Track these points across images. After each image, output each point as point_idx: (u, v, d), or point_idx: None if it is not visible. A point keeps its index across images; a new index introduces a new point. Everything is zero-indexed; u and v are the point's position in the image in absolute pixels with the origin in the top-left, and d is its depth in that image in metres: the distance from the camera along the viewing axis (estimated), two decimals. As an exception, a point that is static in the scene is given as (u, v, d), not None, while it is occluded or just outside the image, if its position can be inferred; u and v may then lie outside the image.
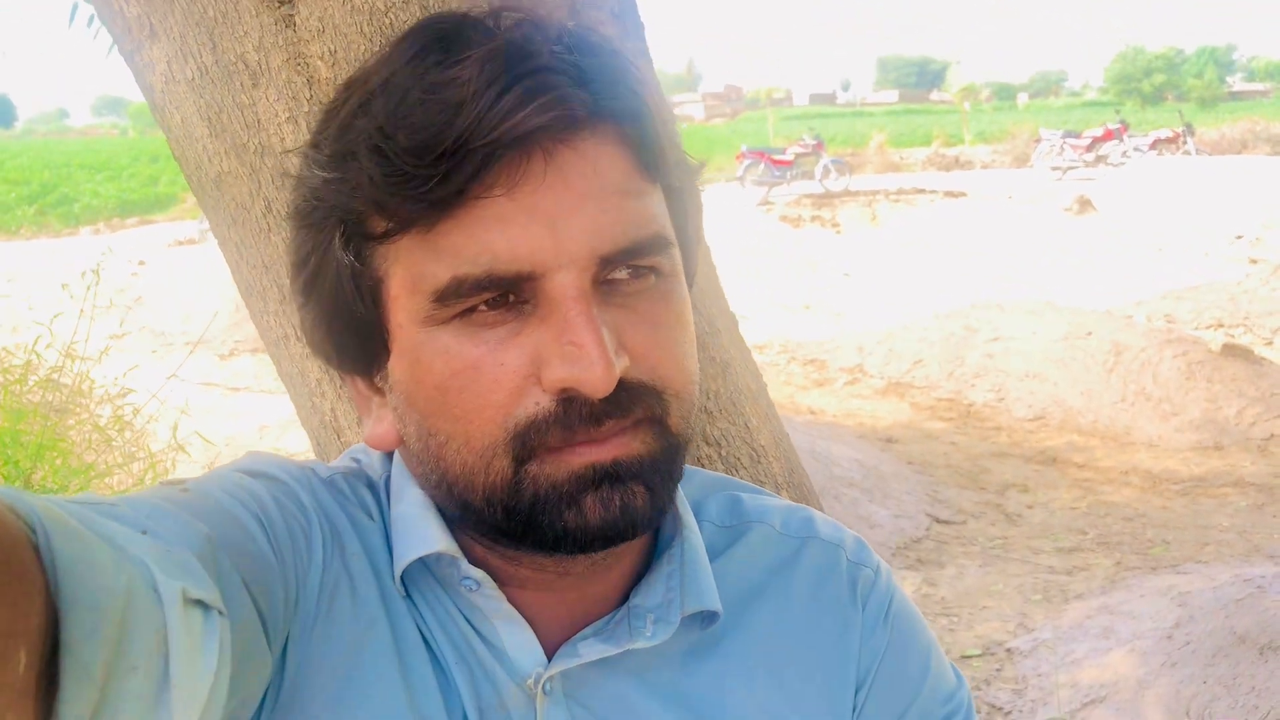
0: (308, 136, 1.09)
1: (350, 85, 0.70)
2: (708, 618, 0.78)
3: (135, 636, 0.50)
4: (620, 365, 0.64)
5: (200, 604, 0.54)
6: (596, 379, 0.63)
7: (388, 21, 1.03)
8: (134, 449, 4.20)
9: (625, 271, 0.68)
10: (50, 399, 3.91)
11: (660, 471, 0.69)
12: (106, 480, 3.96)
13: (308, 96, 1.09)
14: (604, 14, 1.15)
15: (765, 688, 0.80)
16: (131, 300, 10.63)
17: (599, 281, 0.66)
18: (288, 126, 1.10)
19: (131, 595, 0.50)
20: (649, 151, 0.69)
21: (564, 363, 0.63)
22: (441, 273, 0.64)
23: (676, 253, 0.72)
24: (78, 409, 4.05)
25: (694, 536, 0.80)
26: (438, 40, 0.66)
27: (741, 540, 0.85)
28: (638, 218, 0.67)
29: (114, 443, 4.04)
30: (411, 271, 0.66)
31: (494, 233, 0.63)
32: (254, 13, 1.07)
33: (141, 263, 13.48)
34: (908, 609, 0.88)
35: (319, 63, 1.07)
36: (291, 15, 1.07)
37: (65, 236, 19.28)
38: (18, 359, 3.99)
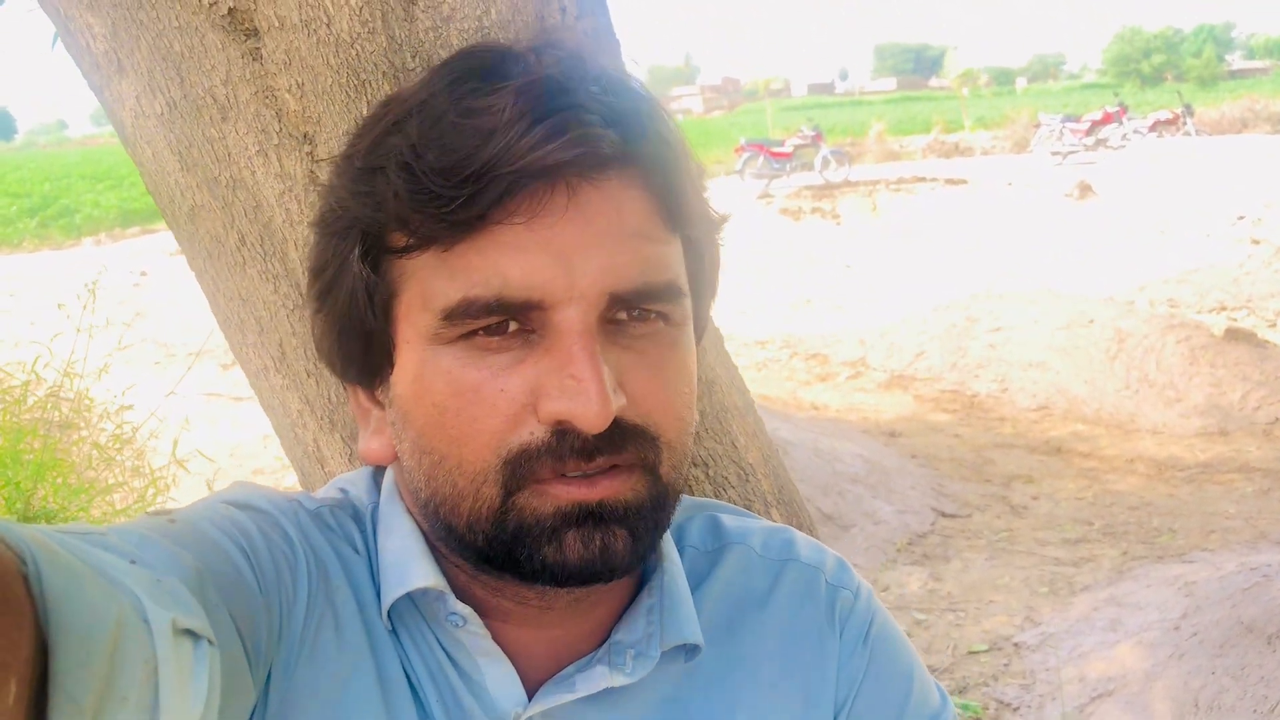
0: (279, 169, 1.09)
1: (389, 103, 0.72)
2: (689, 650, 0.77)
3: (125, 667, 0.50)
4: (617, 404, 0.65)
5: (190, 633, 0.54)
6: (592, 414, 0.63)
7: (354, 53, 1.02)
8: (137, 464, 4.21)
9: (633, 313, 0.68)
10: (51, 417, 3.91)
11: (646, 518, 0.69)
12: (108, 498, 3.97)
13: (277, 129, 1.08)
14: (578, 33, 1.13)
15: (745, 718, 0.79)
16: (132, 315, 10.64)
17: (606, 320, 0.67)
18: (258, 160, 1.09)
19: (122, 625, 0.50)
20: (672, 200, 0.70)
21: (562, 395, 0.64)
22: (453, 292, 0.65)
23: (688, 303, 0.73)
24: (79, 426, 4.06)
25: (674, 568, 0.80)
26: (478, 69, 0.68)
27: (721, 563, 0.85)
28: (653, 262, 0.68)
29: (115, 460, 4.04)
30: (424, 288, 0.67)
31: (508, 259, 0.64)
32: (220, 46, 1.06)
33: (143, 273, 13.51)
34: (889, 630, 0.87)
35: (287, 95, 1.06)
36: (258, 48, 1.06)
37: (68, 248, 19.31)
38: (17, 378, 3.99)
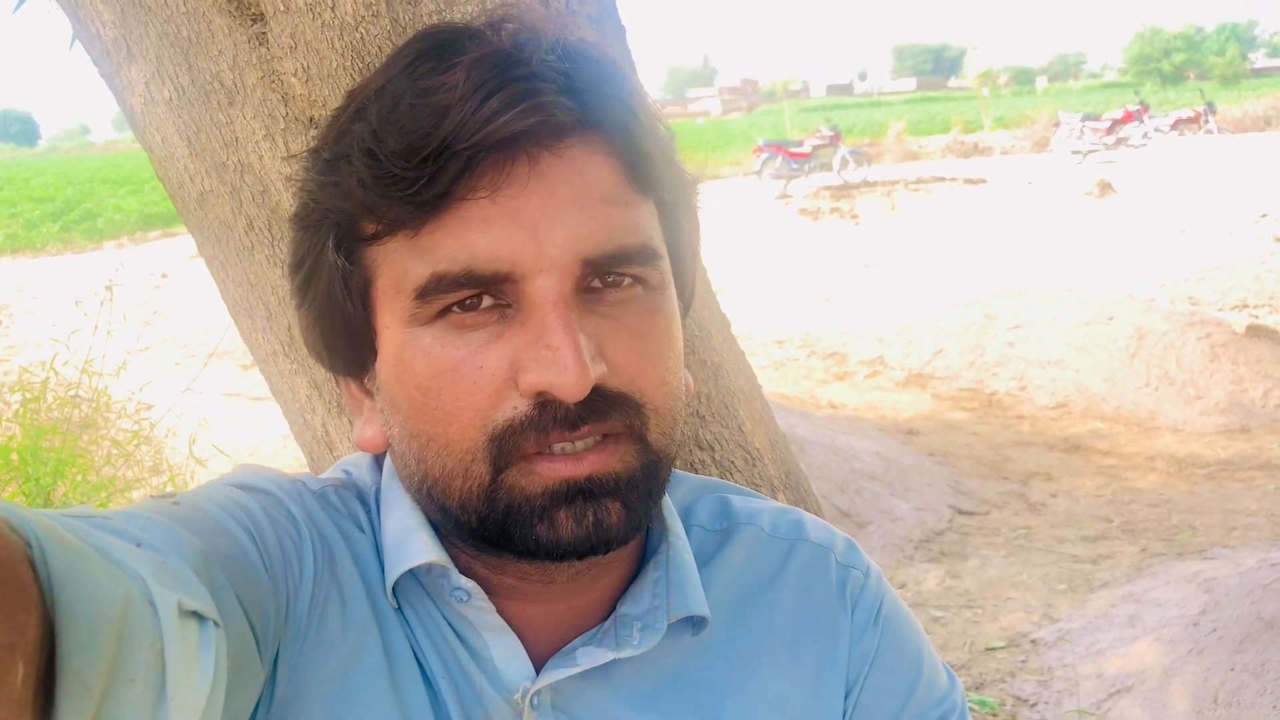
0: (285, 153, 1.10)
1: (353, 93, 0.71)
2: (696, 623, 0.78)
3: (132, 648, 0.50)
4: (596, 371, 0.65)
5: (196, 615, 0.55)
6: (570, 383, 0.63)
7: (358, 36, 1.03)
8: (156, 462, 4.24)
9: (609, 280, 0.68)
10: (70, 415, 3.94)
11: (638, 488, 0.69)
12: (128, 495, 3.99)
13: (283, 114, 1.09)
14: (581, 19, 1.14)
15: (754, 694, 0.80)
16: (150, 314, 10.72)
17: (582, 288, 0.67)
18: (265, 144, 1.10)
19: (128, 607, 0.50)
20: (638, 163, 0.70)
21: (539, 366, 0.64)
22: (423, 270, 0.66)
23: (665, 265, 0.72)
24: (100, 424, 4.09)
25: (679, 542, 0.80)
26: (433, 49, 0.67)
27: (730, 543, 0.85)
28: (624, 226, 0.68)
29: (134, 457, 4.07)
30: (396, 271, 0.67)
31: (475, 233, 0.64)
32: (227, 31, 1.07)
33: (164, 275, 13.60)
34: (899, 611, 0.87)
35: (293, 80, 1.07)
36: (264, 33, 1.07)
37: (90, 251, 19.42)
38: (37, 376, 4.03)
